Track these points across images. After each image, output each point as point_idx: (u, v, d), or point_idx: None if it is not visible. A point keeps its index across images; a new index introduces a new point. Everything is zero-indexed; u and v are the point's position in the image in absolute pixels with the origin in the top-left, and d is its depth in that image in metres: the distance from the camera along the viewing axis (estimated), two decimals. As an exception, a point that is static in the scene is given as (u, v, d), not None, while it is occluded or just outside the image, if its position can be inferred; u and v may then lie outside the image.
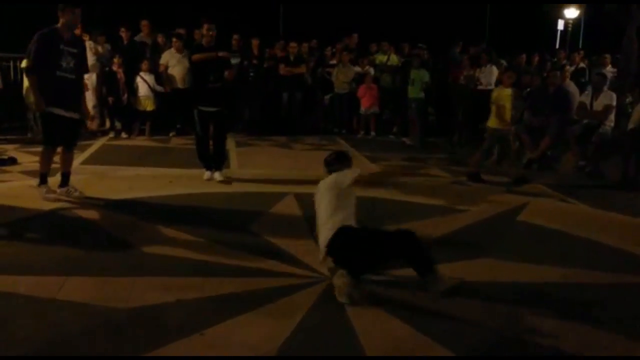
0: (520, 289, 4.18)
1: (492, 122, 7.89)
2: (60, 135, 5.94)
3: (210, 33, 7.08)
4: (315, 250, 4.67)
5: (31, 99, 7.00)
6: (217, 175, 7.19)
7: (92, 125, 10.10)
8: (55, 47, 5.75)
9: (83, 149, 8.94)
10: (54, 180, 6.20)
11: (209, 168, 7.25)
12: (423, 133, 11.21)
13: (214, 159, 7.29)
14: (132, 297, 3.75)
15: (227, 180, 7.16)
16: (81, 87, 6.32)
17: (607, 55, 12.17)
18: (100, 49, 10.67)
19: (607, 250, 5.11)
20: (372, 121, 11.88)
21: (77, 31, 7.35)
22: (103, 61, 10.63)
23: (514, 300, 3.95)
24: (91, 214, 5.54)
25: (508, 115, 7.76)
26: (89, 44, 10.24)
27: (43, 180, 6.02)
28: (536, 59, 12.07)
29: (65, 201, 5.92)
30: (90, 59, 10.19)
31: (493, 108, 7.85)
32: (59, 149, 6.17)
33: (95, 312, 3.55)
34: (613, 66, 11.94)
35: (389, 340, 3.37)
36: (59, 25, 5.83)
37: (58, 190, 6.06)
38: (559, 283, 4.32)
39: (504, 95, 7.82)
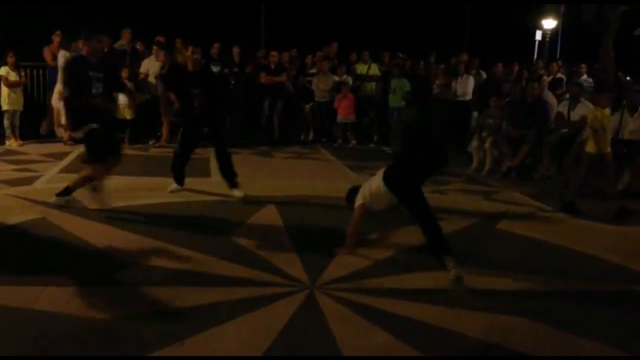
0: (499, 297, 4.21)
1: (590, 147, 6.99)
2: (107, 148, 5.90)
3: (195, 57, 6.99)
4: (295, 260, 4.69)
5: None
6: (237, 193, 6.80)
7: (65, 134, 10.07)
8: (85, 74, 5.70)
9: (61, 157, 8.86)
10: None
11: (178, 182, 7.02)
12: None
13: (226, 177, 6.95)
14: (111, 307, 3.72)
15: (248, 199, 6.71)
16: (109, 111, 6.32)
17: (584, 65, 12.37)
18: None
19: (584, 258, 5.17)
20: (351, 130, 11.93)
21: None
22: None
23: (493, 308, 3.97)
24: (69, 224, 5.47)
25: (608, 138, 7.03)
26: (62, 52, 10.19)
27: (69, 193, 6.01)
28: (515, 69, 12.22)
29: (41, 211, 5.85)
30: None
31: (590, 132, 7.14)
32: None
33: (73, 322, 3.50)
34: (589, 76, 12.14)
35: (369, 349, 3.38)
36: (83, 52, 5.89)
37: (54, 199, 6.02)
38: (538, 291, 4.36)
39: (603, 117, 7.04)
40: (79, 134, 5.84)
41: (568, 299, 4.24)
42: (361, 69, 12.37)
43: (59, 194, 6.01)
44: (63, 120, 10.22)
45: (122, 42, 11.26)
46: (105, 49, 10.69)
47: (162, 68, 9.92)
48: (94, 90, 5.73)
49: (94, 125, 5.69)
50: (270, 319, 3.66)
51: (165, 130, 10.60)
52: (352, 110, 11.75)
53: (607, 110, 7.22)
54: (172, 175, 7.07)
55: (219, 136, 7.09)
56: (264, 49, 12.49)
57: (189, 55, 6.91)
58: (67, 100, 6.09)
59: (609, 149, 7.01)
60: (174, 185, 7.03)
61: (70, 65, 5.91)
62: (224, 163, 6.96)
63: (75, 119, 5.96)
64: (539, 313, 3.91)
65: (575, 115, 8.82)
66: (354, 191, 5.22)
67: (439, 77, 11.74)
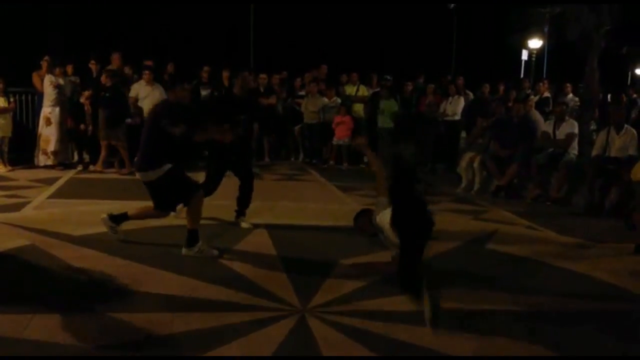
0: (490, 318, 4.21)
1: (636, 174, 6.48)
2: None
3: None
4: (286, 284, 4.68)
5: None
6: (244, 224, 6.64)
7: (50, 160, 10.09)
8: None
9: (50, 183, 8.83)
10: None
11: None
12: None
13: (239, 204, 6.80)
14: (101, 335, 3.68)
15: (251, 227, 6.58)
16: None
17: (569, 85, 12.52)
18: (61, 81, 10.43)
19: (575, 277, 5.19)
20: (345, 152, 11.97)
21: None
22: (65, 93, 10.49)
23: (484, 329, 3.97)
24: (58, 250, 5.43)
25: None
26: (47, 77, 10.21)
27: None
28: (501, 88, 12.35)
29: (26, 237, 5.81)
30: (52, 93, 10.16)
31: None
32: None
33: (62, 350, 3.46)
34: (575, 95, 12.28)
35: (362, 373, 3.37)
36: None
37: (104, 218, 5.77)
38: (530, 311, 4.36)
39: None
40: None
41: (559, 319, 4.24)
42: (350, 90, 12.47)
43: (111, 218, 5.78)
44: (51, 146, 10.22)
45: (112, 67, 11.29)
46: (94, 74, 10.88)
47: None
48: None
49: None
50: (262, 344, 3.64)
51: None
52: (348, 132, 11.82)
53: None
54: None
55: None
56: (252, 72, 12.55)
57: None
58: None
59: None
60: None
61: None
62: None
63: None
64: (530, 334, 3.92)
65: (560, 134, 8.91)
66: (362, 214, 5.39)
67: (429, 95, 11.88)
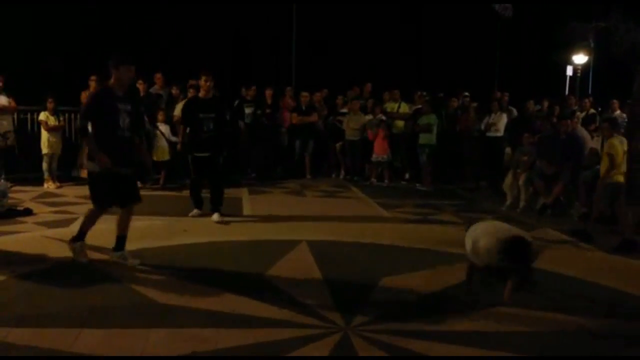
0: (541, 337, 4.12)
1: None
2: (113, 195, 5.54)
3: (208, 84, 7.61)
4: (328, 301, 4.67)
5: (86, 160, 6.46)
6: (215, 217, 7.58)
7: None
8: (111, 106, 5.43)
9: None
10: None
11: (197, 207, 7.92)
12: (434, 178, 11.30)
13: (212, 201, 7.73)
14: (146, 349, 3.74)
15: (223, 222, 7.49)
16: (134, 143, 5.80)
17: (615, 101, 12.22)
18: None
19: (627, 298, 5.04)
20: (386, 169, 11.92)
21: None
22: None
23: (535, 350, 3.88)
24: (105, 265, 5.56)
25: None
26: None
27: (80, 237, 5.68)
28: (545, 104, 12.15)
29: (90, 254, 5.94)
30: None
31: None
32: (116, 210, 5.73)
33: (110, 364, 3.53)
34: (622, 111, 11.98)
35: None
36: (111, 81, 5.54)
37: (111, 254, 5.70)
38: (577, 332, 4.25)
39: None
40: (93, 168, 5.50)
41: (612, 340, 4.12)
42: (391, 107, 12.45)
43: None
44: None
45: (157, 87, 11.55)
46: (142, 93, 11.13)
47: None
48: (121, 123, 5.46)
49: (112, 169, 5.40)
50: (305, 362, 3.63)
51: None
52: (386, 148, 11.78)
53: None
54: (192, 202, 7.95)
55: (217, 163, 7.73)
56: (290, 89, 12.77)
57: (202, 84, 7.72)
58: (79, 131, 6.02)
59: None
60: (194, 211, 7.85)
61: (93, 95, 5.83)
62: (214, 188, 7.76)
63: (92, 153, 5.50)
64: (578, 354, 3.81)
65: (610, 151, 8.68)
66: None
67: (471, 112, 11.78)
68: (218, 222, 7.47)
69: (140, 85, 11.37)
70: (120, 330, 4.05)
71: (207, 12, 16.88)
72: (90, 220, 5.73)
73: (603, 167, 7.43)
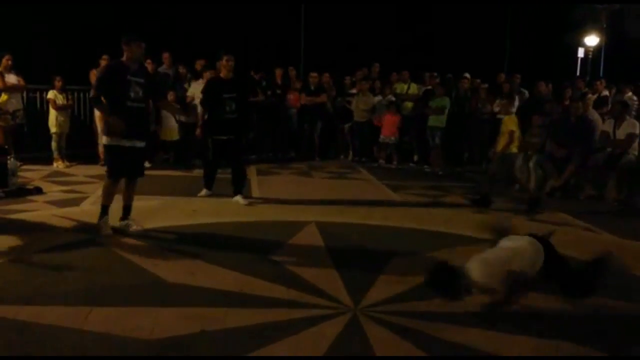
0: (546, 320, 4.10)
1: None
2: (125, 167, 5.93)
3: (230, 64, 7.52)
4: (337, 281, 4.67)
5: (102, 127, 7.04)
6: (240, 199, 7.55)
7: None
8: (122, 78, 5.72)
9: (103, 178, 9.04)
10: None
11: (208, 187, 7.92)
12: (444, 161, 11.25)
13: (235, 183, 7.69)
14: (156, 328, 3.75)
15: (250, 203, 7.54)
16: (147, 115, 6.31)
17: (628, 84, 12.08)
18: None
19: (634, 281, 5.02)
20: (394, 151, 11.88)
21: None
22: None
23: (541, 332, 3.87)
24: (115, 244, 5.59)
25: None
26: None
27: (104, 212, 5.94)
28: (549, 86, 12.01)
29: (90, 230, 5.97)
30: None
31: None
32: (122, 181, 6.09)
33: (120, 342, 3.55)
34: (634, 94, 11.85)
35: (415, 374, 3.33)
36: (124, 58, 5.85)
37: (118, 223, 6.04)
38: (587, 314, 4.24)
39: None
40: (108, 141, 5.84)
41: (619, 322, 4.11)
42: (401, 88, 12.37)
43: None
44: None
45: (165, 66, 11.51)
46: (150, 71, 11.09)
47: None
48: (132, 94, 5.76)
49: (122, 142, 5.76)
50: (314, 342, 3.63)
51: None
52: (395, 129, 11.72)
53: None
54: (204, 183, 7.96)
55: (237, 145, 7.72)
56: (294, 70, 12.75)
57: (224, 64, 7.60)
58: (91, 100, 6.32)
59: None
60: (204, 191, 7.87)
61: (106, 67, 6.05)
62: (237, 170, 7.72)
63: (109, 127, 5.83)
64: (587, 337, 3.81)
65: (620, 134, 8.63)
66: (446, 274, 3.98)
67: (482, 93, 11.70)
68: (245, 205, 7.44)
69: (149, 65, 11.32)
70: (130, 308, 4.07)
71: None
72: (106, 194, 5.99)
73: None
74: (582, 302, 4.34)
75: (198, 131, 8.20)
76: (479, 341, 3.72)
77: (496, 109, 11.24)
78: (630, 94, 11.70)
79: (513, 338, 3.79)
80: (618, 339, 3.86)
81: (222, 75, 7.70)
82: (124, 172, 6.00)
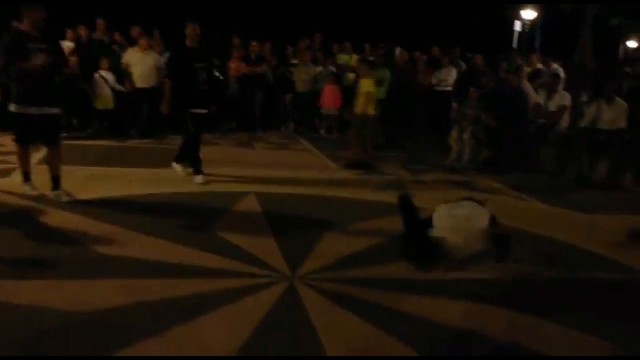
0: (478, 286, 4.26)
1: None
2: (33, 135, 5.88)
3: (198, 32, 7.12)
4: (276, 251, 4.70)
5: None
6: (179, 169, 7.34)
7: None
8: (23, 46, 5.61)
9: (38, 149, 8.73)
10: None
11: (199, 170, 7.14)
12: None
13: (184, 154, 7.38)
14: (91, 300, 3.69)
15: (189, 174, 7.24)
16: (53, 82, 5.97)
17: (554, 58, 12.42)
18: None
19: (562, 247, 5.25)
20: (334, 122, 11.93)
21: None
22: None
23: (473, 297, 4.02)
24: (47, 216, 5.43)
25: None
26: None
27: (26, 178, 6.10)
28: (490, 59, 12.27)
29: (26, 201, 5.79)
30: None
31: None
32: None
33: (53, 315, 3.47)
34: (563, 67, 12.21)
35: (350, 340, 3.39)
36: (23, 25, 5.81)
37: (50, 194, 5.96)
38: (517, 280, 4.42)
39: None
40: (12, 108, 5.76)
41: (546, 287, 4.30)
42: (343, 59, 12.37)
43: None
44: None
45: (99, 34, 11.14)
46: (84, 40, 10.74)
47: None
48: (34, 60, 5.63)
49: (24, 109, 5.69)
50: (251, 311, 3.65)
51: None
52: (337, 102, 11.74)
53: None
54: (193, 167, 7.18)
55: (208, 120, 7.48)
56: (239, 39, 12.46)
57: (190, 32, 7.09)
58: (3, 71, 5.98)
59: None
60: (200, 177, 7.08)
61: (6, 36, 5.86)
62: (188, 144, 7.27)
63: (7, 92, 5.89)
64: (517, 301, 3.97)
65: (552, 106, 8.91)
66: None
67: (420, 66, 11.83)
68: (184, 176, 7.23)
69: (82, 31, 10.95)
70: (63, 281, 3.98)
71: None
72: (21, 161, 6.07)
73: None
74: (508, 269, 4.51)
75: (164, 106, 7.35)
76: (414, 306, 3.83)
77: (434, 82, 11.43)
78: (556, 66, 12.05)
79: (445, 302, 3.92)
80: (540, 303, 4.03)
81: (188, 44, 7.17)
82: (30, 140, 6.00)
